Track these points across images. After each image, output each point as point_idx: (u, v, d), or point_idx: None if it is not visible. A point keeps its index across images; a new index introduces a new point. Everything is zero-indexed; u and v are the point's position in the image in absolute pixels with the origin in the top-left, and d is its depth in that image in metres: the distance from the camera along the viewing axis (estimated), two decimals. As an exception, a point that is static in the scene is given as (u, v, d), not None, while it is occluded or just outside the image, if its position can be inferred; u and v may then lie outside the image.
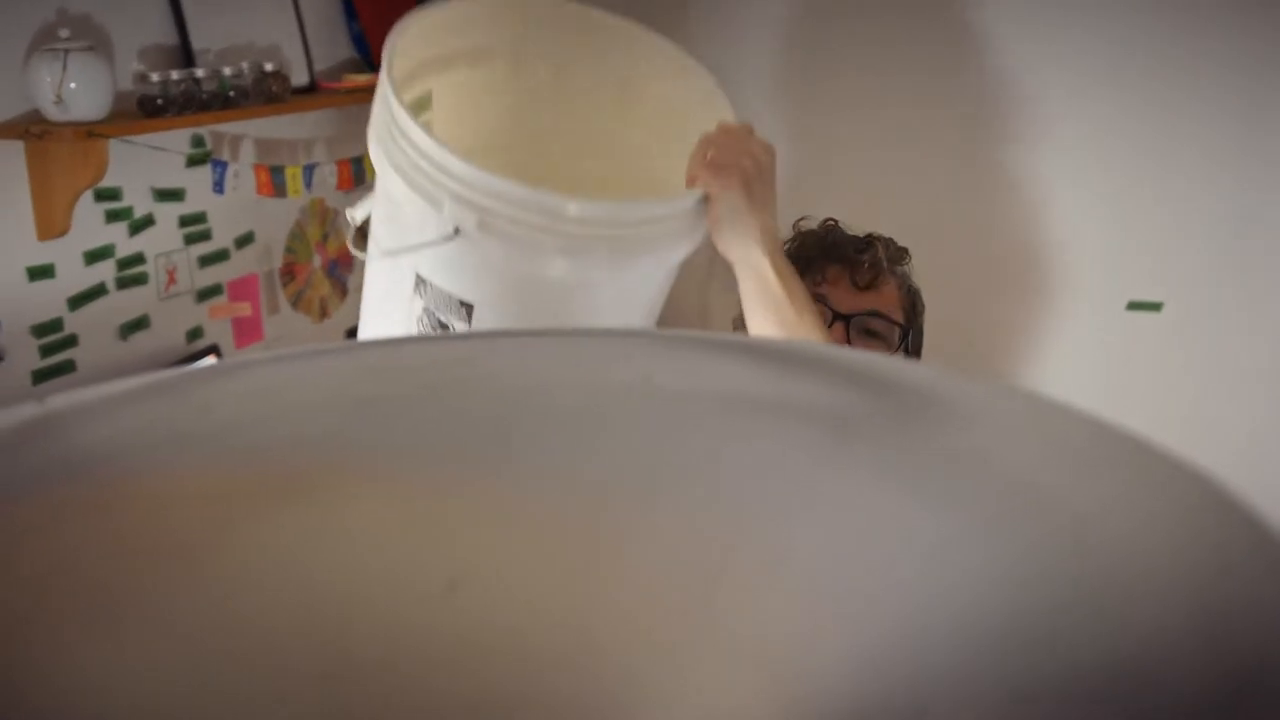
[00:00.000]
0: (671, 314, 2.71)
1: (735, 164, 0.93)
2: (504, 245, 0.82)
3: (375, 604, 0.39)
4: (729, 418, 0.47)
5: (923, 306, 1.43)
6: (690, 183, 0.95)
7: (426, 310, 0.90)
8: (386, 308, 0.97)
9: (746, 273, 0.98)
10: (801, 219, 1.45)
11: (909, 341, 1.37)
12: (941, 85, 2.16)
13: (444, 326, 0.90)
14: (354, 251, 0.94)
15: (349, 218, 0.96)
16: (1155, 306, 2.10)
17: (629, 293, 0.99)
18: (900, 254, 1.40)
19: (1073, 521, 0.37)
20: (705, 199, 0.95)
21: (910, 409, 0.43)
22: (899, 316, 1.35)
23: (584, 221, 0.82)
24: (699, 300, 2.45)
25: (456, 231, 0.80)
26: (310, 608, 0.38)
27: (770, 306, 0.96)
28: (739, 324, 1.24)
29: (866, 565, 0.39)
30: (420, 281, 0.88)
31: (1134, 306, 2.12)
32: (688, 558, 0.38)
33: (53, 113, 1.72)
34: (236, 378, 0.51)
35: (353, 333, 2.47)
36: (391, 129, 0.86)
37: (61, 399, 0.47)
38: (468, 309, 0.88)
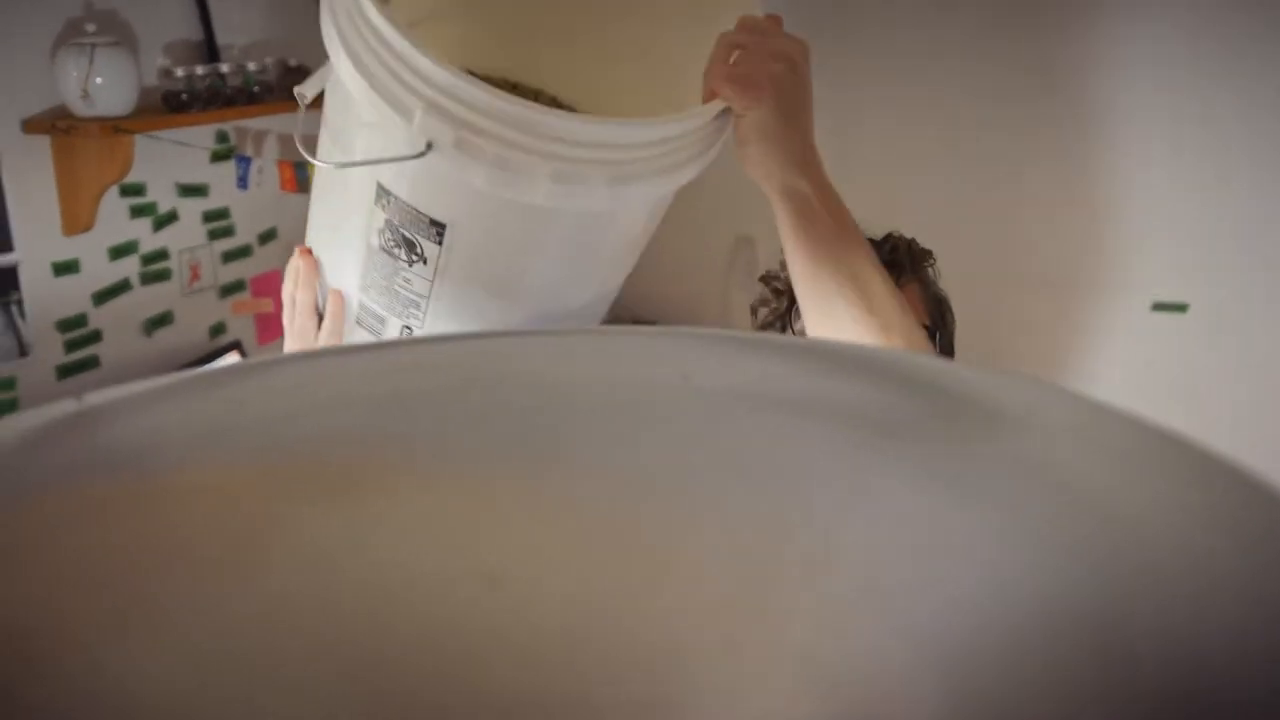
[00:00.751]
0: (691, 307, 2.71)
1: (764, 71, 0.74)
2: (485, 166, 0.67)
3: (415, 601, 0.38)
4: (771, 416, 0.47)
5: (953, 318, 1.32)
6: (709, 96, 0.74)
7: (389, 224, 0.75)
8: (338, 219, 0.82)
9: (786, 204, 0.77)
10: None
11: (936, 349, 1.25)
12: (966, 84, 2.15)
13: (409, 245, 0.76)
14: (302, 151, 0.75)
15: (297, 96, 0.79)
16: (1181, 308, 2.09)
17: (623, 220, 0.81)
18: (923, 256, 1.27)
19: (1124, 519, 0.37)
20: (726, 112, 0.76)
21: (957, 408, 0.42)
22: (923, 321, 1.25)
23: (581, 143, 0.67)
24: (720, 293, 2.45)
25: (429, 147, 0.66)
26: (350, 604, 0.38)
27: (818, 240, 0.76)
28: (761, 320, 1.17)
29: (916, 565, 0.39)
30: (383, 192, 0.74)
31: (1159, 308, 2.11)
32: (734, 556, 0.38)
33: (79, 108, 1.73)
34: (271, 373, 0.51)
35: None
36: (350, 9, 0.69)
37: (98, 396, 0.47)
38: (439, 229, 0.74)
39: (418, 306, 0.78)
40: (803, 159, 0.76)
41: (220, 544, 0.38)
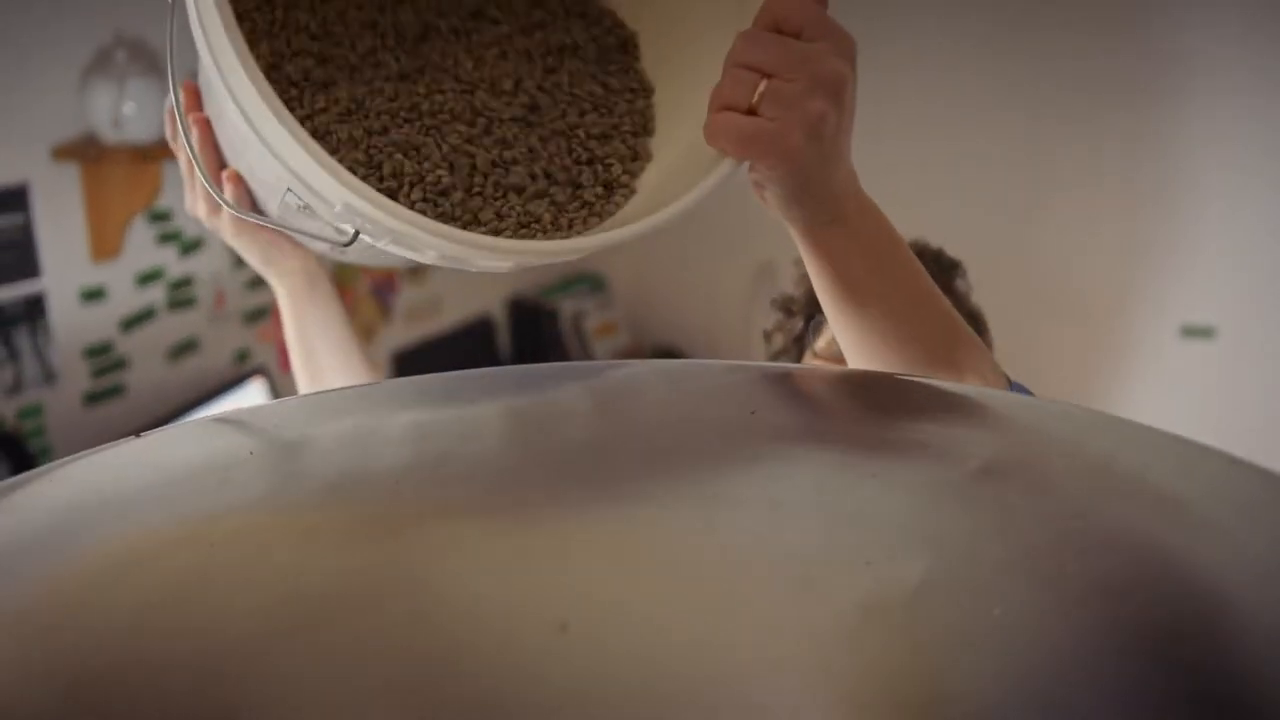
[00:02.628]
0: (713, 335, 2.71)
1: (799, 124, 0.51)
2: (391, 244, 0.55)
3: (485, 645, 0.38)
4: (833, 454, 0.46)
5: (989, 335, 1.18)
6: (712, 141, 0.54)
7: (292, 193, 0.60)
8: (249, 163, 0.67)
9: (812, 250, 0.60)
10: None
11: None
12: (993, 104, 2.14)
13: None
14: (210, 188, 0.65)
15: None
16: (1208, 332, 2.07)
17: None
18: (952, 267, 1.10)
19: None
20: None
21: (1017, 446, 0.41)
22: None
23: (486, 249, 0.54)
24: (742, 321, 2.44)
25: (355, 236, 0.54)
26: (422, 649, 0.37)
27: (852, 284, 0.59)
28: (776, 347, 1.09)
29: (979, 607, 0.38)
30: (290, 191, 0.59)
31: (1188, 332, 2.09)
32: (804, 595, 0.37)
33: (109, 135, 1.73)
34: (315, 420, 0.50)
35: (399, 359, 2.47)
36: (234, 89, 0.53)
37: (159, 431, 0.46)
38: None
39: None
40: (838, 195, 0.57)
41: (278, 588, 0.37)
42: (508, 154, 0.58)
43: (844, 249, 0.58)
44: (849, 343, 0.60)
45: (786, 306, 1.06)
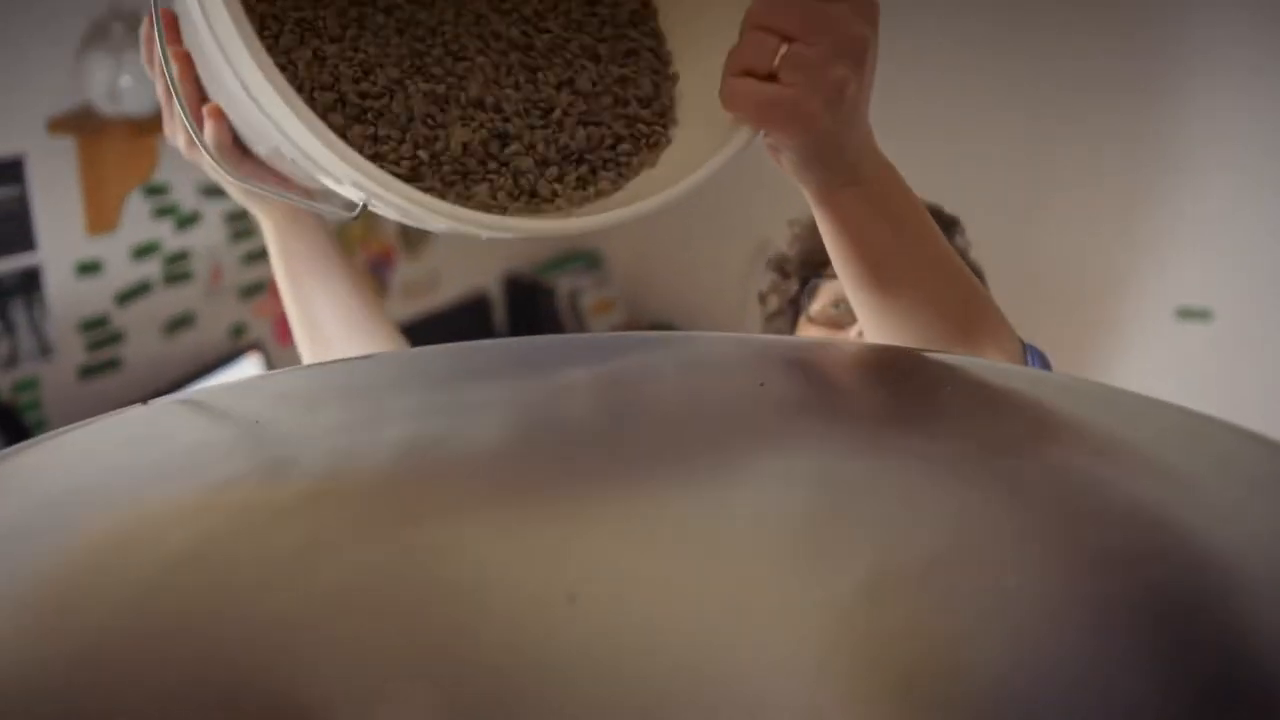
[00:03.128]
0: (711, 311, 2.70)
1: (821, 90, 0.50)
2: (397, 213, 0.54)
3: (496, 613, 0.38)
4: (844, 428, 0.46)
5: (986, 290, 1.11)
6: (730, 103, 0.52)
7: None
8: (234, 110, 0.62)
9: (828, 215, 0.58)
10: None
11: None
12: (990, 86, 2.14)
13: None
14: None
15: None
16: (1205, 314, 2.07)
17: None
18: (950, 224, 1.01)
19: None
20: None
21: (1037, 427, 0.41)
22: None
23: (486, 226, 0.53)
24: (740, 297, 2.44)
25: (362, 207, 0.53)
26: (430, 618, 0.37)
27: (869, 250, 0.57)
28: (771, 308, 1.05)
29: (992, 579, 0.38)
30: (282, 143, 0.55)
31: (1184, 314, 2.09)
32: (816, 567, 0.37)
33: (106, 108, 1.72)
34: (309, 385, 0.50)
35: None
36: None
37: (168, 399, 0.46)
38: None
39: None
40: (854, 158, 0.55)
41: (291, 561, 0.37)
42: (527, 134, 0.56)
43: (859, 212, 0.56)
44: (863, 307, 0.58)
45: (780, 267, 1.02)
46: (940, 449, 0.42)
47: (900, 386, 0.48)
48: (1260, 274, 2.00)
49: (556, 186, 0.54)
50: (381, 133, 0.54)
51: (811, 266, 0.97)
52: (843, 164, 0.55)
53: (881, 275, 0.57)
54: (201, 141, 0.61)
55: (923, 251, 0.58)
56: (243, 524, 0.41)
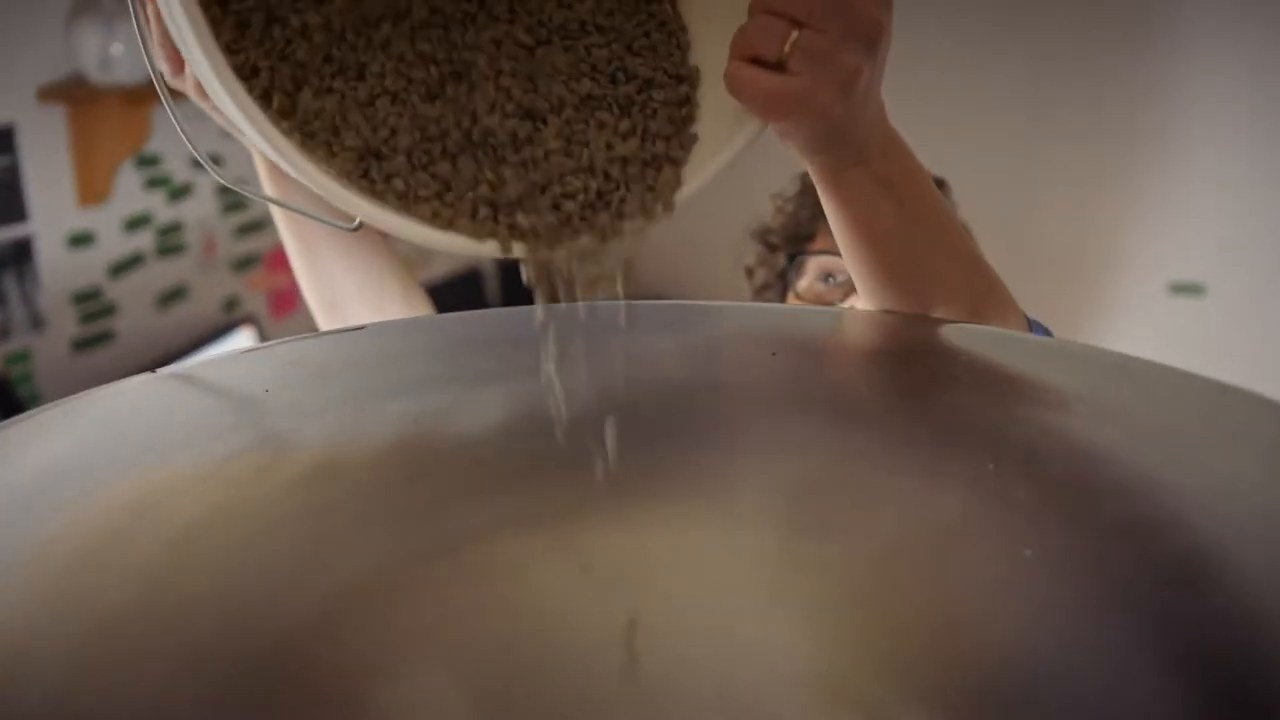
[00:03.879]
0: (706, 285, 2.69)
1: (832, 79, 0.48)
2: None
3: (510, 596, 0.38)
4: (859, 398, 0.46)
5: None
6: (735, 94, 0.48)
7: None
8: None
9: (831, 194, 0.56)
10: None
11: None
12: (983, 60, 2.13)
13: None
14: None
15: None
16: (1198, 289, 2.08)
17: None
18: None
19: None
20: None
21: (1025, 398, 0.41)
22: None
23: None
24: (735, 274, 2.43)
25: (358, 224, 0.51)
26: (448, 595, 0.37)
27: (875, 230, 0.55)
28: (760, 282, 1.02)
29: (1010, 548, 0.38)
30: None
31: (1177, 289, 2.10)
32: (833, 534, 0.37)
33: (97, 76, 1.71)
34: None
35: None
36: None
37: (175, 369, 0.46)
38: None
39: None
40: (864, 139, 0.53)
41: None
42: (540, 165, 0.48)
43: (866, 193, 0.54)
44: (867, 288, 0.57)
45: (765, 239, 0.99)
46: (955, 419, 0.42)
47: (917, 355, 0.48)
48: (1253, 249, 2.01)
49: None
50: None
51: (796, 241, 0.95)
52: (851, 146, 0.53)
53: (887, 256, 0.55)
54: (164, 90, 0.58)
55: (930, 232, 0.56)
56: (255, 489, 0.40)
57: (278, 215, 0.76)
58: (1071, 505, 0.38)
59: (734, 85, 0.48)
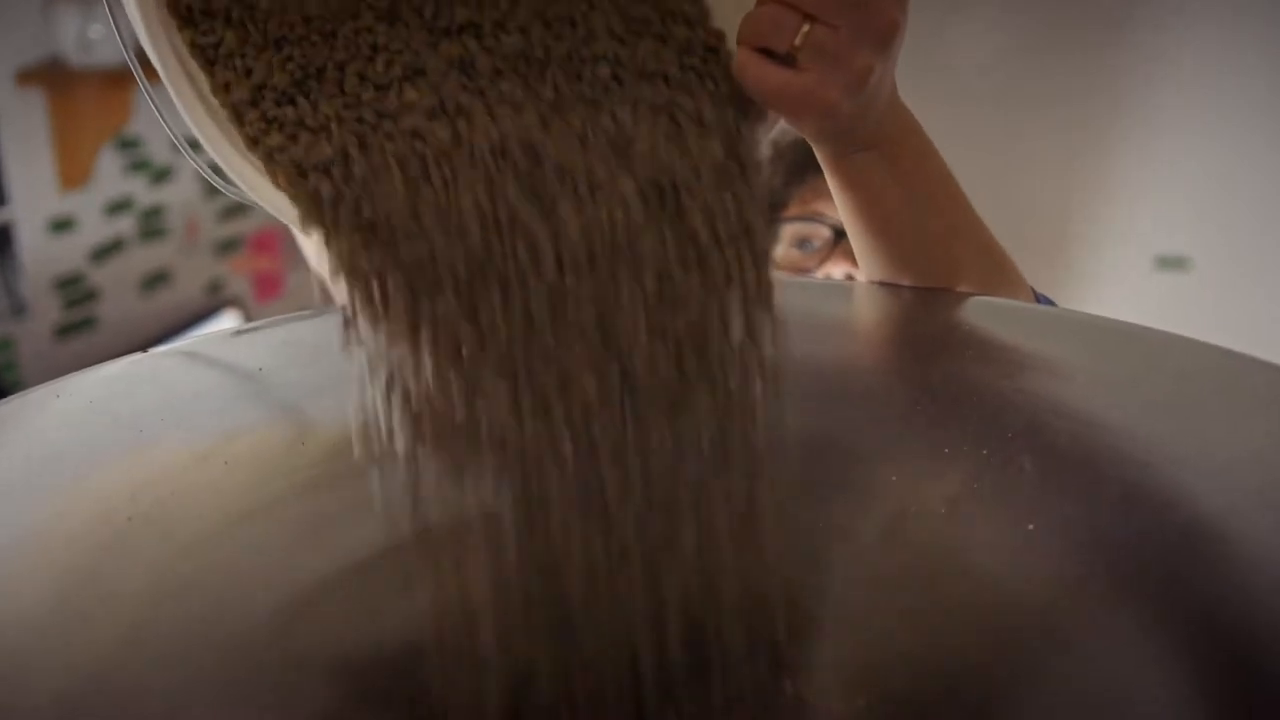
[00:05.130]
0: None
1: (845, 77, 0.46)
2: None
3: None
4: (865, 363, 0.45)
5: None
6: (741, 83, 0.46)
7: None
8: None
9: (840, 183, 0.54)
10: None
11: None
12: (968, 32, 2.12)
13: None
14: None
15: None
16: (1185, 263, 2.08)
17: None
18: None
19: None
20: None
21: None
22: None
23: None
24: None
25: None
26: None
27: (880, 229, 0.54)
28: None
29: (1015, 520, 0.38)
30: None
31: (1162, 263, 2.10)
32: (850, 497, 0.37)
33: (76, 58, 1.69)
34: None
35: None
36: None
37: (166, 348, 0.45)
38: None
39: None
40: (873, 126, 0.51)
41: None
42: None
43: (876, 178, 0.53)
44: (874, 270, 0.55)
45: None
46: (959, 385, 0.42)
47: (924, 320, 0.48)
48: (1239, 222, 2.01)
49: None
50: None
51: (770, 209, 0.94)
52: (860, 136, 0.51)
53: (894, 242, 0.54)
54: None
55: (942, 218, 0.54)
56: (251, 470, 0.40)
57: None
58: (1075, 476, 0.38)
59: (741, 75, 0.46)
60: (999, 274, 0.56)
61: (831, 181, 0.54)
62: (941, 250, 0.54)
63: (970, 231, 0.56)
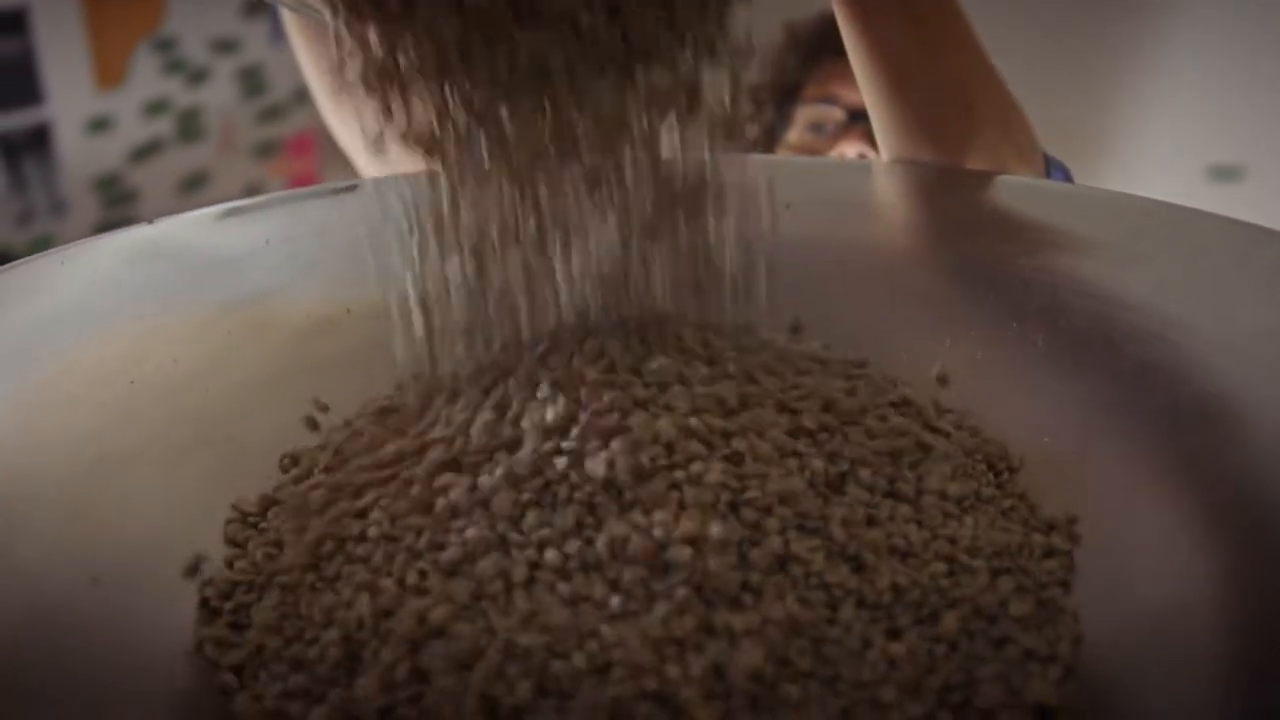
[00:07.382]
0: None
1: None
2: None
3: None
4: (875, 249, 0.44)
5: None
6: None
7: None
8: None
9: (853, 28, 0.52)
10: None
11: None
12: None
13: None
14: None
15: None
16: (1236, 172, 2.03)
17: None
18: None
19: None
20: None
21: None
22: None
23: None
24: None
25: None
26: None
27: (892, 77, 0.52)
28: (749, 145, 0.97)
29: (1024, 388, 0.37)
30: None
31: (1215, 173, 2.05)
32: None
33: (108, -45, 1.67)
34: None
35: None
36: None
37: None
38: None
39: None
40: None
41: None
42: None
43: (890, 23, 0.51)
44: (883, 124, 0.53)
45: (754, 95, 0.96)
46: (977, 268, 0.41)
47: (931, 206, 0.47)
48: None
49: None
50: None
51: (784, 91, 0.92)
52: None
53: (906, 92, 0.52)
54: None
55: (958, 68, 0.53)
56: (251, 340, 0.40)
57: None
58: (1094, 351, 0.37)
59: None
60: (1010, 134, 0.54)
61: (844, 27, 0.52)
62: (954, 101, 0.52)
63: (986, 84, 0.54)
